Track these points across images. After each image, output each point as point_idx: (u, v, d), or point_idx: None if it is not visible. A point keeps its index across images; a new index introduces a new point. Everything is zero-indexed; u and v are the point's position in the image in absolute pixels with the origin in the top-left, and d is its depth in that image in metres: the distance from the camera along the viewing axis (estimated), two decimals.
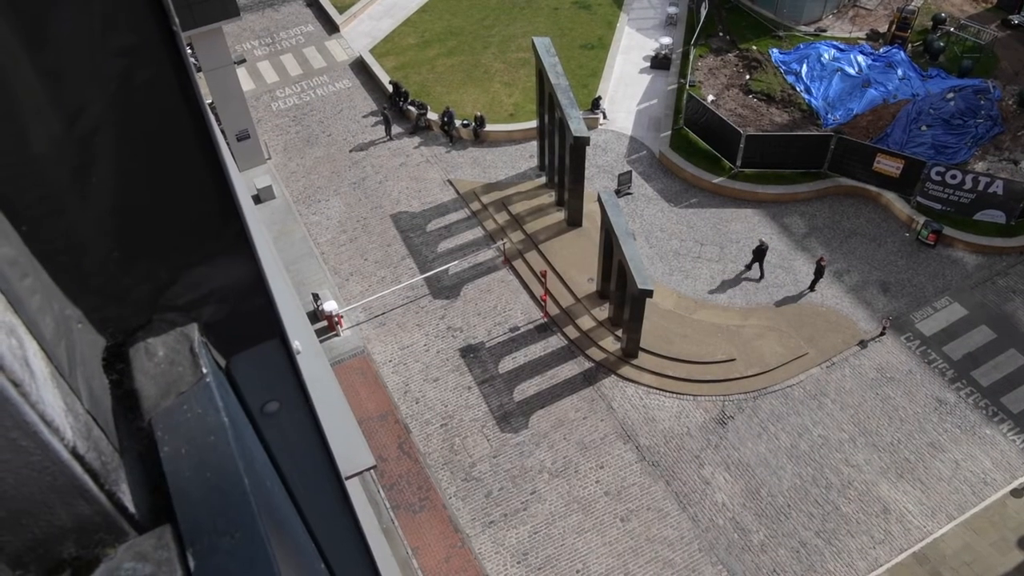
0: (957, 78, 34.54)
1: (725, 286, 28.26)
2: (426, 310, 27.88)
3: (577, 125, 26.15)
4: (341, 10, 40.79)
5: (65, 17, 1.47)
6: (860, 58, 35.35)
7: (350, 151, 33.80)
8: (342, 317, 27.08)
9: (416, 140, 34.11)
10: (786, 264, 28.85)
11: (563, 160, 28.44)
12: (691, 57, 36.07)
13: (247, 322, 2.11)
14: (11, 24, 1.40)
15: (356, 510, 2.35)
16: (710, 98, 33.93)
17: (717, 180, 31.41)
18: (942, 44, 35.95)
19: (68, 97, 1.55)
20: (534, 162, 32.73)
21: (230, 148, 30.03)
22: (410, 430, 24.65)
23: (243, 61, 37.73)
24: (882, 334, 26.60)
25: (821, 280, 27.75)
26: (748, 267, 28.65)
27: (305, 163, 33.36)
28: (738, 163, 31.37)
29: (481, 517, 22.75)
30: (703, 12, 37.83)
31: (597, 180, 31.54)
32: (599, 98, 34.42)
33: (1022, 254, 29.04)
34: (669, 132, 33.23)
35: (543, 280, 27.33)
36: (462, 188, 31.86)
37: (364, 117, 35.29)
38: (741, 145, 30.78)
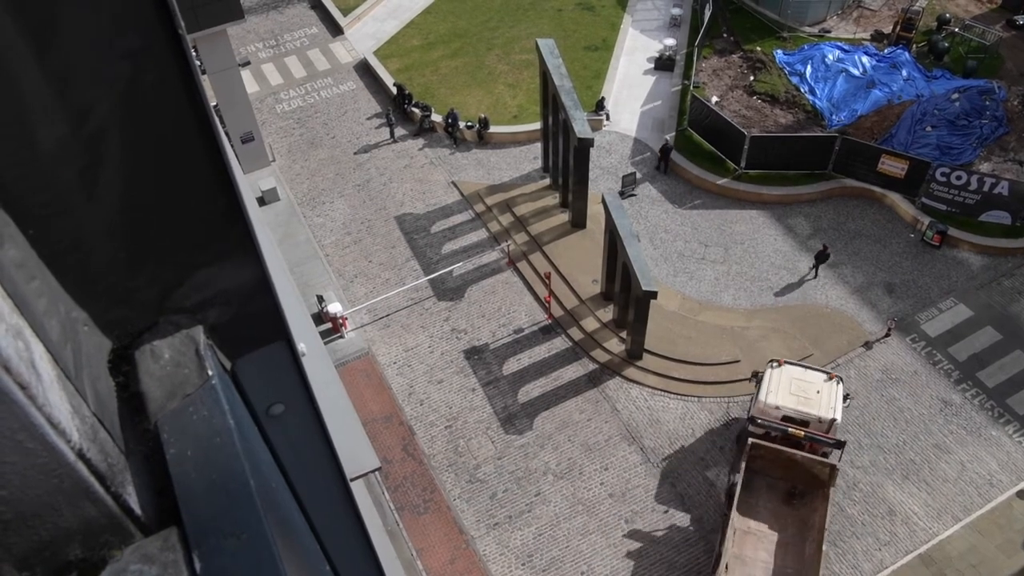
0: (962, 79, 34.46)
1: (729, 287, 28.23)
2: (430, 312, 27.90)
3: (581, 127, 26.15)
4: (345, 12, 40.86)
5: (72, 20, 1.47)
6: (864, 59, 35.29)
7: (354, 153, 33.84)
8: (346, 319, 27.11)
9: (420, 142, 34.15)
10: (790, 266, 28.80)
11: (567, 162, 28.43)
12: (695, 58, 36.05)
13: (252, 324, 2.12)
14: (18, 26, 1.40)
15: (361, 512, 2.35)
16: (714, 99, 33.90)
17: (721, 181, 31.38)
18: (947, 45, 35.89)
19: (75, 99, 1.55)
20: (538, 164, 32.74)
21: (234, 150, 30.07)
22: (414, 432, 24.66)
23: (247, 63, 37.81)
24: (887, 335, 26.54)
25: (823, 269, 27.95)
26: (658, 167, 32.08)
27: (309, 165, 33.41)
28: (742, 164, 31.33)
29: (486, 519, 22.75)
30: (707, 13, 37.80)
31: (601, 182, 31.53)
32: (603, 99, 34.42)
33: None
34: (673, 133, 33.20)
35: (547, 282, 27.33)
36: (466, 190, 31.88)
37: (368, 119, 35.34)
38: (745, 146, 30.74)
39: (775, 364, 22.45)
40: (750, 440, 21.46)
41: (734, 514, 20.64)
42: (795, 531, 21.07)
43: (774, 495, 21.83)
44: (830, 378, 22.16)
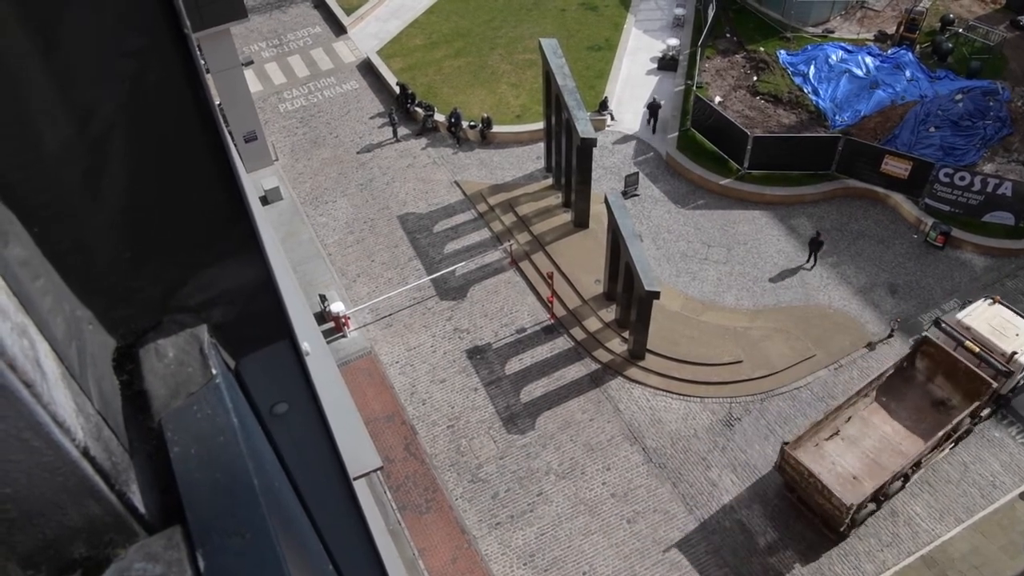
0: (965, 79, 34.38)
1: (732, 288, 28.20)
2: (433, 311, 27.90)
3: (584, 126, 26.14)
4: (348, 12, 40.88)
5: (77, 20, 1.47)
6: (868, 59, 35.23)
7: (357, 152, 33.86)
8: (349, 318, 27.13)
9: (423, 141, 34.16)
10: (793, 266, 28.77)
11: (570, 161, 28.43)
12: (698, 58, 36.02)
13: (256, 323, 2.12)
14: (23, 27, 1.40)
15: (363, 511, 2.35)
16: (717, 99, 33.87)
17: (724, 182, 31.35)
18: (950, 45, 35.82)
19: (79, 99, 1.56)
20: (541, 163, 32.73)
21: (237, 149, 30.09)
22: (417, 431, 24.67)
23: (250, 63, 37.83)
24: (890, 336, 26.49)
25: (826, 268, 28.04)
26: (649, 123, 32.95)
27: (312, 164, 33.43)
28: (745, 165, 31.30)
29: (488, 518, 22.75)
30: (710, 13, 37.76)
31: (604, 181, 31.51)
32: (606, 99, 34.41)
33: None
34: (676, 133, 33.18)
35: (550, 281, 27.32)
36: (469, 189, 31.88)
37: (371, 118, 35.35)
38: (748, 147, 30.71)
39: (991, 300, 23.98)
40: (923, 334, 23.32)
41: (876, 386, 22.54)
42: (926, 427, 22.17)
43: (925, 395, 23.03)
44: None
